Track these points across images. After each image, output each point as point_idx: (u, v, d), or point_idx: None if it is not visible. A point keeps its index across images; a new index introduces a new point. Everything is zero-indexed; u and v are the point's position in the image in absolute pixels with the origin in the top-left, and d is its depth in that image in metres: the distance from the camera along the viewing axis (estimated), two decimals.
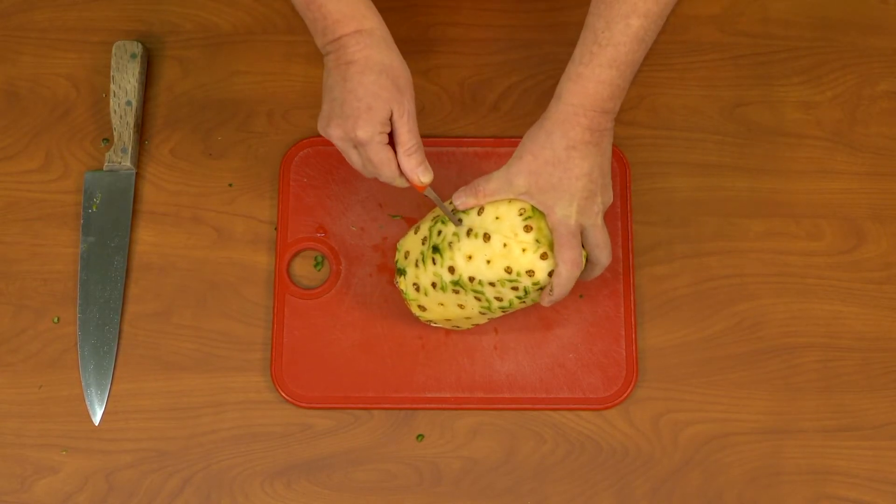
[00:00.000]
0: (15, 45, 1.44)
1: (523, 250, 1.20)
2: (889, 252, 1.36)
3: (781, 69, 1.42)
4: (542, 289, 1.22)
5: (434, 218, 1.25)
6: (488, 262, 1.20)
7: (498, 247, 1.20)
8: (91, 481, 1.30)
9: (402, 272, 1.27)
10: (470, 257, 1.21)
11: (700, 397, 1.32)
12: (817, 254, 1.36)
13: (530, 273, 1.20)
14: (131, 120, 1.39)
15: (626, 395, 1.31)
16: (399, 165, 1.20)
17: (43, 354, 1.34)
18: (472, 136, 1.40)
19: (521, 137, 1.38)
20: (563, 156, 1.17)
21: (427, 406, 1.31)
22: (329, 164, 1.38)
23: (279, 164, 1.39)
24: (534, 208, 1.20)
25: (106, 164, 1.38)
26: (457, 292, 1.24)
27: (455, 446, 1.31)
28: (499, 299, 1.23)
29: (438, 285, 1.24)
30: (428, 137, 1.39)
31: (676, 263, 1.36)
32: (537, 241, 1.20)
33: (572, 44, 1.42)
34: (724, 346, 1.33)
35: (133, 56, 1.40)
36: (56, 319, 1.35)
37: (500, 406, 1.31)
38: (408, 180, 1.21)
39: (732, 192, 1.38)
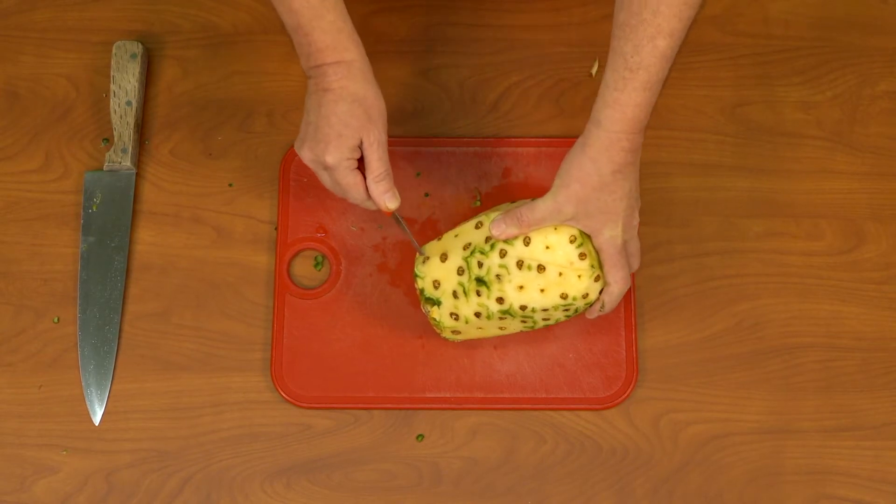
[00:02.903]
0: (15, 45, 1.44)
1: (579, 277, 1.21)
2: (889, 252, 1.36)
3: (781, 69, 1.42)
4: (590, 304, 1.24)
5: (466, 247, 1.25)
6: (542, 290, 1.21)
7: (553, 276, 1.21)
8: (91, 481, 1.30)
9: (435, 302, 1.26)
10: (521, 287, 1.22)
11: (700, 397, 1.32)
12: (817, 254, 1.36)
13: (585, 296, 1.22)
14: (131, 120, 1.39)
15: (625, 395, 1.31)
16: (368, 189, 1.24)
17: (43, 354, 1.34)
18: (472, 136, 1.40)
19: (521, 137, 1.39)
20: (609, 180, 1.20)
21: (427, 406, 1.31)
22: None
23: (279, 164, 1.39)
24: (581, 233, 1.22)
25: (106, 164, 1.38)
26: (503, 318, 1.24)
27: (455, 446, 1.31)
28: (546, 319, 1.25)
29: (484, 315, 1.24)
30: (428, 137, 1.39)
31: (676, 263, 1.36)
32: (592, 266, 1.21)
33: (572, 44, 1.43)
34: (724, 346, 1.33)
35: (133, 56, 1.40)
36: (56, 319, 1.35)
37: (500, 406, 1.31)
38: (375, 204, 1.25)
39: (732, 192, 1.38)
